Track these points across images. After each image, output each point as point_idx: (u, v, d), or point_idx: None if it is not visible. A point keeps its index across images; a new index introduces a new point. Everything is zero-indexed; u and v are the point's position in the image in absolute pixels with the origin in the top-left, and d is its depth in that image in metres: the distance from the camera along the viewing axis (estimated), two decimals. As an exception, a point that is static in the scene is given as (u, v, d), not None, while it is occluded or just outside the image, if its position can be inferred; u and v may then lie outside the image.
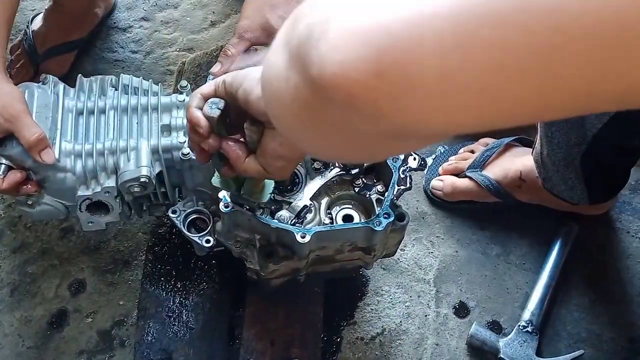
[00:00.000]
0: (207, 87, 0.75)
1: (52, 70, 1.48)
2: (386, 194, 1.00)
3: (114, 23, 1.60)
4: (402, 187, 1.00)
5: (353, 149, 0.48)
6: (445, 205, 1.33)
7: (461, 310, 1.23)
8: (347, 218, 1.04)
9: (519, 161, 1.25)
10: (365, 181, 1.05)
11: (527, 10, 0.32)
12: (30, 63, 1.45)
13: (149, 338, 1.14)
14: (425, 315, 1.22)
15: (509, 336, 1.16)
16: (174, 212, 1.08)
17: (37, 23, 1.47)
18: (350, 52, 0.36)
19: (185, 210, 1.09)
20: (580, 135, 1.07)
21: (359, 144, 0.45)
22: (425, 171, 1.37)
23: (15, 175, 0.97)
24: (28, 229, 1.32)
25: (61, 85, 1.04)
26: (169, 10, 1.64)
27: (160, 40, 1.59)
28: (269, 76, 0.47)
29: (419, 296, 1.24)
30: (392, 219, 0.96)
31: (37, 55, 1.45)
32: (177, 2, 1.65)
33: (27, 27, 1.47)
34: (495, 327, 1.21)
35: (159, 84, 1.11)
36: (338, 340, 1.20)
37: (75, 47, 1.51)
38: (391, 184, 1.00)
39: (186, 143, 1.02)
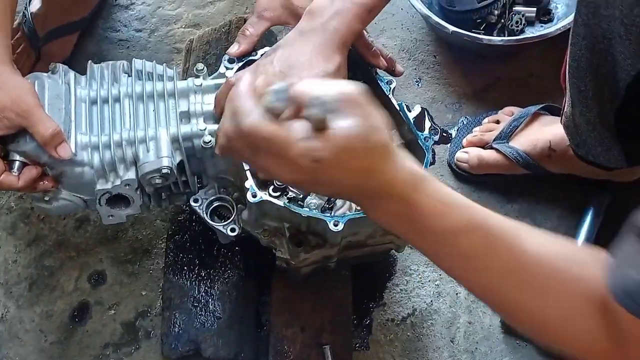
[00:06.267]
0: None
1: (54, 53, 1.42)
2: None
3: (115, 0, 1.53)
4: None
5: None
6: (471, 178, 1.29)
7: (493, 287, 1.20)
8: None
9: (548, 130, 1.20)
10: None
11: None
12: (31, 47, 1.38)
13: (176, 329, 1.11)
14: (457, 294, 1.19)
15: (544, 312, 1.13)
16: (195, 200, 1.04)
17: (36, 4, 1.39)
18: None
19: (207, 199, 1.05)
20: (613, 89, 0.98)
21: None
22: (449, 145, 1.32)
23: (31, 172, 0.92)
24: (42, 221, 1.28)
25: (72, 74, 0.99)
26: (172, -16, 1.56)
27: (165, 17, 1.52)
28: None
29: (448, 274, 1.21)
30: (425, 201, 0.92)
31: (38, 39, 1.38)
32: (179, -25, 1.57)
33: (25, 8, 1.39)
34: (529, 302, 1.18)
35: (174, 67, 1.06)
36: (368, 322, 1.17)
37: (77, 28, 1.44)
38: (423, 164, 0.96)
39: (207, 130, 0.97)
